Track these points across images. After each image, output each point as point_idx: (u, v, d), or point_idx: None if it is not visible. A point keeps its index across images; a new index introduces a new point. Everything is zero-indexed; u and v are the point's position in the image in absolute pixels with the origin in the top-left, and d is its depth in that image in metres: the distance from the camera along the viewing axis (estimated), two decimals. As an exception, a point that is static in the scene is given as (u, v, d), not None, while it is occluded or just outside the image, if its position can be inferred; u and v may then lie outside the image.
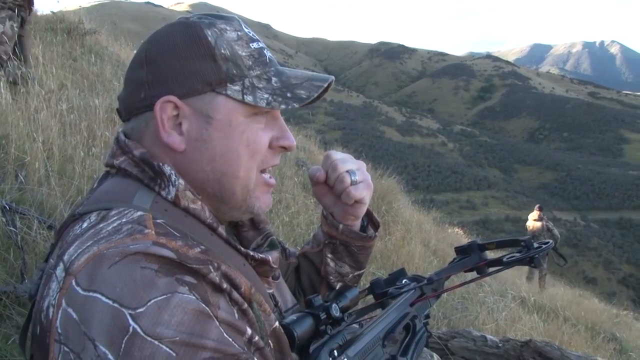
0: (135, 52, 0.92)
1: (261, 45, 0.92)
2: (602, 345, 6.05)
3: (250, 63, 0.88)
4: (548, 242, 1.22)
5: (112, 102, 4.53)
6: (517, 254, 1.19)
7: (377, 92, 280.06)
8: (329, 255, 1.19)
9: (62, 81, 4.57)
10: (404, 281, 1.22)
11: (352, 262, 1.20)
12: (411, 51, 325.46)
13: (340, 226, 1.15)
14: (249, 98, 0.86)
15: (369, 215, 1.21)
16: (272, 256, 0.92)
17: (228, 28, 0.89)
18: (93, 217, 0.78)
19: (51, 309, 0.69)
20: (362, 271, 1.24)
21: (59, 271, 0.71)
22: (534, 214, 11.45)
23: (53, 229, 2.39)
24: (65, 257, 0.72)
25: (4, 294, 1.93)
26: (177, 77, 0.85)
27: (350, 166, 1.09)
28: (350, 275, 1.21)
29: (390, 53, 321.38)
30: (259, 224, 1.06)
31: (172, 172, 0.84)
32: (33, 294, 0.81)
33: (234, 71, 0.86)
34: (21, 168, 2.77)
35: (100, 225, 0.75)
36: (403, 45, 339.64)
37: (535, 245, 1.18)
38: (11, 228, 2.16)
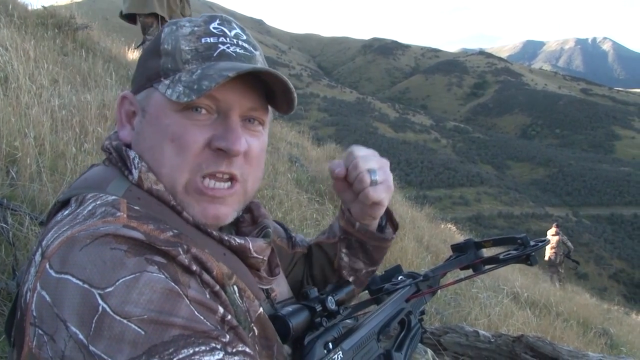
0: None
1: (222, 40, 0.88)
2: (593, 340, 6.10)
3: (189, 57, 0.86)
4: (544, 240, 1.22)
5: (104, 98, 4.50)
6: (514, 252, 1.19)
7: (371, 88, 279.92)
8: (344, 250, 1.18)
9: (54, 77, 4.54)
10: (399, 278, 1.22)
11: (366, 259, 1.19)
12: (404, 47, 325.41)
13: (357, 224, 1.14)
14: (168, 92, 0.84)
15: (388, 215, 1.19)
16: (254, 243, 0.89)
17: (187, 25, 0.89)
18: (73, 203, 0.81)
19: (29, 293, 0.70)
20: (376, 267, 1.22)
21: (37, 256, 0.73)
22: (552, 230, 13.44)
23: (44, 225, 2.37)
24: (44, 243, 0.74)
25: (-4, 291, 1.91)
26: (137, 75, 0.92)
27: (372, 165, 1.05)
28: (364, 271, 1.20)
29: (384, 49, 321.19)
30: (257, 218, 1.04)
31: (136, 156, 0.86)
32: (19, 281, 0.82)
33: (169, 65, 0.86)
34: (12, 164, 2.75)
35: (78, 210, 0.77)
36: (396, 42, 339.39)
37: (532, 242, 1.18)
38: (2, 224, 2.15)
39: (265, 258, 0.92)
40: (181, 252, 0.72)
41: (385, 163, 1.09)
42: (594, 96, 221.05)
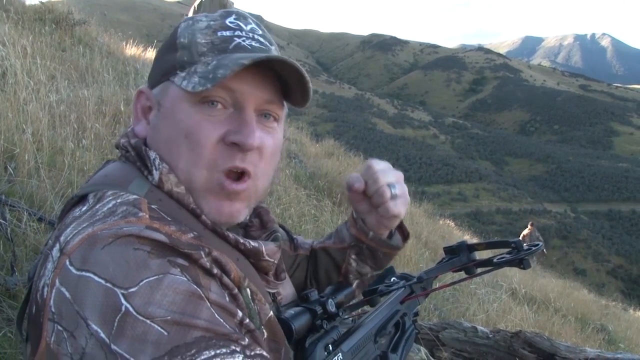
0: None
1: (237, 34, 0.88)
2: (591, 336, 6.12)
3: (205, 50, 0.86)
4: (538, 244, 1.21)
5: (102, 94, 4.49)
6: (507, 255, 1.19)
7: (369, 84, 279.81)
8: (353, 257, 1.19)
9: (52, 72, 4.52)
10: (392, 279, 1.23)
11: (374, 264, 1.20)
12: (403, 43, 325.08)
13: (371, 233, 1.14)
14: (184, 83, 0.84)
15: (399, 224, 1.20)
16: (266, 246, 0.90)
17: (203, 19, 0.89)
18: (90, 198, 0.80)
19: (46, 289, 0.70)
20: (381, 270, 1.24)
21: (55, 251, 0.72)
22: (529, 228, 15.45)
23: (43, 221, 2.37)
24: (62, 238, 0.73)
25: (-6, 287, 1.92)
26: (154, 70, 0.91)
27: (391, 179, 1.07)
28: (369, 275, 1.21)
29: (382, 45, 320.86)
30: (267, 223, 1.05)
31: (157, 156, 0.85)
32: (31, 275, 0.82)
33: (185, 58, 0.86)
34: (10, 160, 2.75)
35: (97, 207, 0.76)
36: (395, 37, 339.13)
37: (525, 247, 1.18)
38: (1, 220, 2.14)
39: (275, 261, 0.93)
40: (203, 256, 0.73)
41: (401, 176, 1.10)
42: (592, 92, 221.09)
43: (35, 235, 2.25)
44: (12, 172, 2.63)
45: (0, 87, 3.27)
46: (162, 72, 0.88)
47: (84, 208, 0.79)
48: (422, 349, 1.62)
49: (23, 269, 2.09)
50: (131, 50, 8.81)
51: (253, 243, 0.88)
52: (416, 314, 1.22)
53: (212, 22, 0.89)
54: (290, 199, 5.10)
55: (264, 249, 0.89)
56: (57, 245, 0.73)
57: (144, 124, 0.90)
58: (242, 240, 0.86)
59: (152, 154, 0.85)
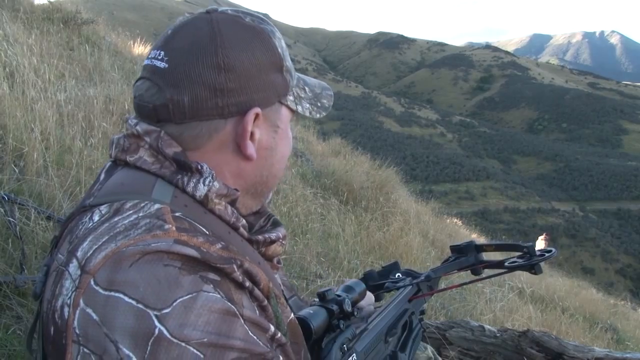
0: (191, 49, 0.83)
1: None
2: (599, 335, 6.08)
3: (293, 73, 0.93)
4: (552, 251, 1.19)
5: (109, 93, 4.51)
6: (519, 260, 1.17)
7: (376, 82, 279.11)
8: None
9: (60, 71, 4.55)
10: (397, 275, 1.22)
11: None
12: (410, 41, 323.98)
13: None
14: (299, 108, 0.94)
15: None
16: (281, 232, 0.95)
17: (280, 36, 0.92)
18: (104, 209, 0.76)
19: (66, 309, 0.67)
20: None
21: (73, 269, 0.69)
22: (542, 236, 15.93)
23: (52, 219, 2.39)
24: (79, 254, 0.70)
25: (4, 284, 1.93)
26: (258, 88, 0.85)
27: None
28: None
29: (389, 43, 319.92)
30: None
31: (212, 173, 0.82)
32: (38, 292, 0.79)
33: (290, 82, 0.92)
34: (19, 158, 2.76)
35: (115, 219, 0.72)
36: (402, 36, 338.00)
37: (538, 252, 1.16)
38: (10, 218, 2.16)
39: (286, 242, 0.98)
40: (235, 269, 0.71)
41: None
42: (601, 90, 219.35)
43: (44, 234, 2.27)
44: (20, 170, 2.65)
45: (9, 86, 3.29)
46: (275, 94, 0.88)
47: (97, 218, 0.75)
48: (429, 347, 1.62)
49: (32, 267, 2.11)
50: (139, 49, 8.84)
51: (274, 235, 0.92)
52: (423, 312, 1.22)
53: (282, 39, 0.92)
54: (297, 198, 5.10)
55: (280, 235, 0.94)
56: (75, 262, 0.69)
57: (252, 145, 0.86)
58: (267, 235, 0.91)
59: (206, 168, 0.81)
